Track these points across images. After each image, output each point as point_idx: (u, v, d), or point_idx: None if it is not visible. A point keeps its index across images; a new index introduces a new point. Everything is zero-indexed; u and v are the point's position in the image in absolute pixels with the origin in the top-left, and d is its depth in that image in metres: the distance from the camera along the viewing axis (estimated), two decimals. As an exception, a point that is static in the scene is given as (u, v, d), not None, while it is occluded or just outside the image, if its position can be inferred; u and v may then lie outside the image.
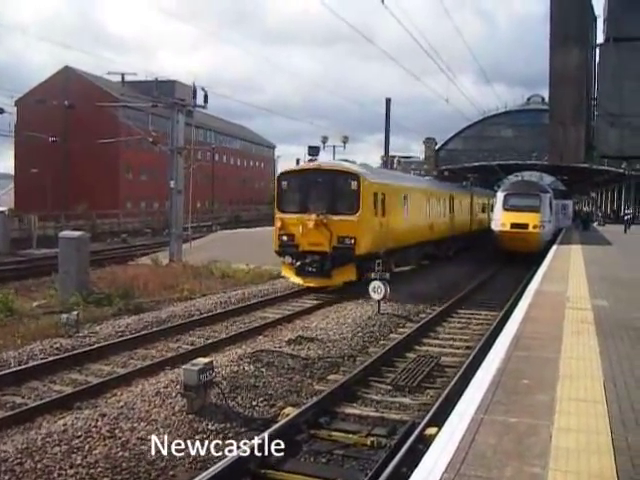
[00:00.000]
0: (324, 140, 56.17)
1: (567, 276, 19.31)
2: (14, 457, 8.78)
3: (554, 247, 31.67)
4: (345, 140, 58.75)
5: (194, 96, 33.33)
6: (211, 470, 8.36)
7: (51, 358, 13.89)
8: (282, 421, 10.22)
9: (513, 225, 34.53)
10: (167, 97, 33.26)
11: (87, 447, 9.24)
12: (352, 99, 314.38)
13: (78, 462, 8.81)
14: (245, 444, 9.21)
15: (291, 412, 10.63)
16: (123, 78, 30.90)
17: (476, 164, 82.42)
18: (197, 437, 10.00)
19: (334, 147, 58.47)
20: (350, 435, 10.18)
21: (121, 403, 10.87)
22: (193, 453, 9.42)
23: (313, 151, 53.81)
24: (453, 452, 5.67)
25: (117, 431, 9.83)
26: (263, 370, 13.13)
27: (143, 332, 16.39)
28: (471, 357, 14.24)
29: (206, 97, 33.42)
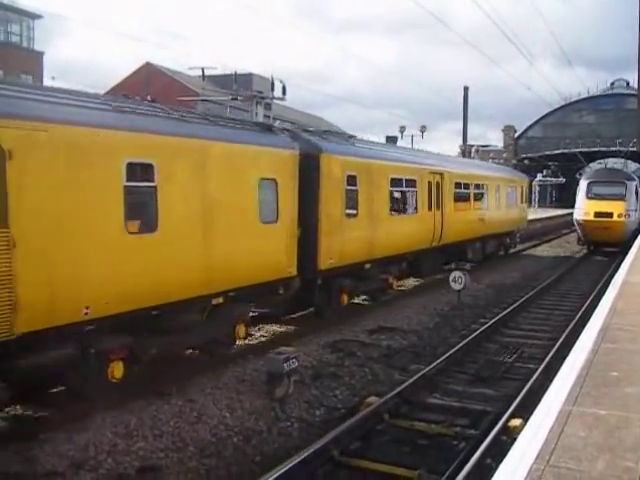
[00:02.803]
0: (402, 130, 56.15)
1: (655, 266, 18.70)
2: (113, 441, 9.15)
3: (641, 237, 30.68)
4: (423, 129, 58.58)
5: (272, 88, 33.62)
6: (295, 457, 8.49)
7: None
8: (365, 410, 10.29)
9: (597, 214, 33.58)
10: (245, 90, 33.67)
11: (176, 432, 9.55)
12: (427, 87, 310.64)
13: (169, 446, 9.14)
14: (328, 432, 9.35)
15: (373, 401, 10.69)
16: (203, 73, 31.42)
17: (557, 152, 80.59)
18: (280, 424, 10.19)
19: (412, 136, 58.45)
20: (432, 425, 10.17)
21: (207, 390, 11.17)
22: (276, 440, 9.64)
23: (391, 141, 53.68)
24: (542, 443, 5.61)
25: (204, 417, 10.14)
26: (345, 360, 13.25)
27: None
28: (555, 349, 13.99)
29: (284, 89, 33.63)
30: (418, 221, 21.58)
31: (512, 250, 35.72)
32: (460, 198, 25.75)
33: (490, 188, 29.67)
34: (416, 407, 11.05)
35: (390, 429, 10.11)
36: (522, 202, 36.37)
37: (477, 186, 28.03)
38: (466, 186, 26.61)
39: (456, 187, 25.30)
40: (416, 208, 21.31)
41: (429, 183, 22.36)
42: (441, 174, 23.56)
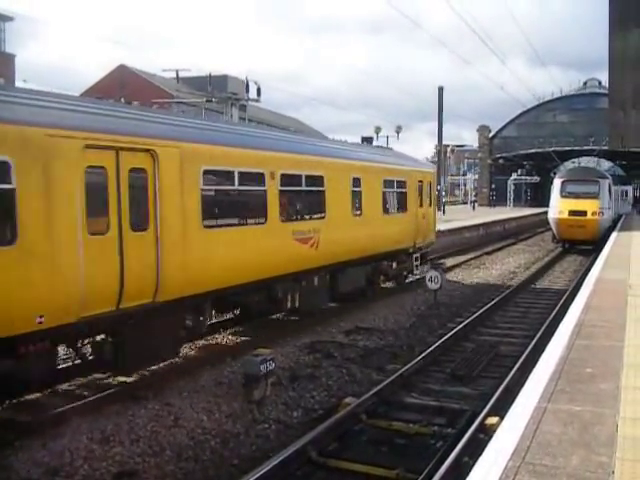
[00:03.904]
0: (377, 130, 56.24)
1: (628, 263, 18.93)
2: (89, 447, 9.06)
3: (614, 234, 31.03)
4: (399, 130, 58.74)
5: (247, 90, 33.54)
6: (273, 459, 8.47)
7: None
8: (342, 411, 10.29)
9: (571, 212, 33.91)
10: (220, 92, 33.56)
11: (153, 436, 9.49)
12: (402, 88, 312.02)
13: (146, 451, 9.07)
14: (305, 433, 9.34)
15: (351, 402, 10.69)
16: (177, 74, 31.27)
17: (532, 151, 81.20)
18: (258, 426, 10.16)
19: (387, 137, 58.55)
20: (410, 425, 10.20)
21: (184, 393, 11.11)
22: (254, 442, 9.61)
23: (366, 141, 53.70)
24: (517, 441, 5.66)
25: (181, 420, 10.08)
26: (322, 361, 13.25)
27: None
28: (530, 346, 14.09)
29: (259, 90, 33.58)
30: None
31: (414, 277, 23.93)
32: (233, 204, 13.73)
33: (339, 182, 17.47)
34: (394, 407, 11.08)
35: (368, 429, 10.12)
36: (422, 205, 23.49)
37: (293, 179, 15.57)
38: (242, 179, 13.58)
39: (209, 179, 12.72)
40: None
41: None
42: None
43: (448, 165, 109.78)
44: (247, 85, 33.97)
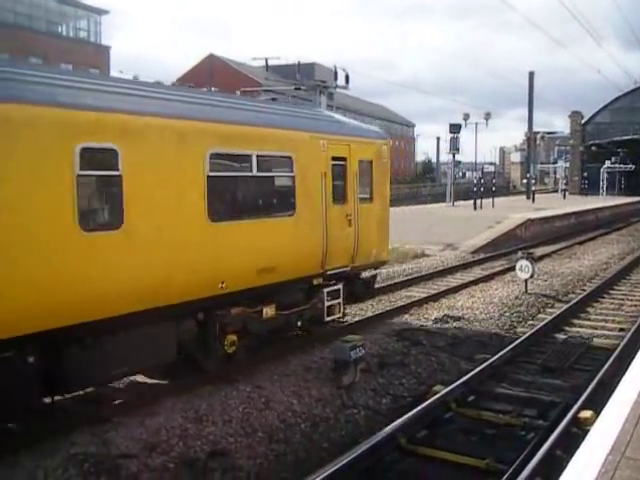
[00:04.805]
0: (465, 117, 55.38)
1: None
2: (183, 426, 9.37)
3: None
4: (487, 117, 57.68)
5: (335, 77, 33.59)
6: (362, 444, 8.56)
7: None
8: (431, 398, 10.28)
9: None
10: (308, 80, 33.74)
11: (245, 418, 9.73)
12: (491, 72, 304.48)
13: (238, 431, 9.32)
14: (395, 420, 9.38)
15: (440, 390, 10.67)
16: (267, 63, 31.55)
17: (626, 138, 78.20)
18: (347, 412, 10.27)
19: (476, 124, 57.61)
20: (500, 415, 10.10)
21: (275, 377, 11.32)
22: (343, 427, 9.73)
23: (454, 129, 53.01)
24: (617, 435, 5.55)
25: (272, 403, 10.29)
26: (411, 348, 13.26)
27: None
28: (625, 340, 13.70)
29: (347, 77, 33.56)
30: None
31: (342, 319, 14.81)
32: None
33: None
34: (483, 396, 10.99)
35: (457, 418, 10.08)
36: (371, 199, 14.76)
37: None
38: None
39: None
40: None
41: None
42: None
43: (537, 153, 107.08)
44: (335, 73, 34.09)
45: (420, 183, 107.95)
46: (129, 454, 8.46)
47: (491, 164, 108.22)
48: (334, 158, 13.33)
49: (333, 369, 11.06)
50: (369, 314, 16.59)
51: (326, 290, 13.29)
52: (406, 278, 21.82)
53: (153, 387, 10.70)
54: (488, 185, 53.98)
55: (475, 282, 21.19)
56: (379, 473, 8.39)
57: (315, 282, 13.11)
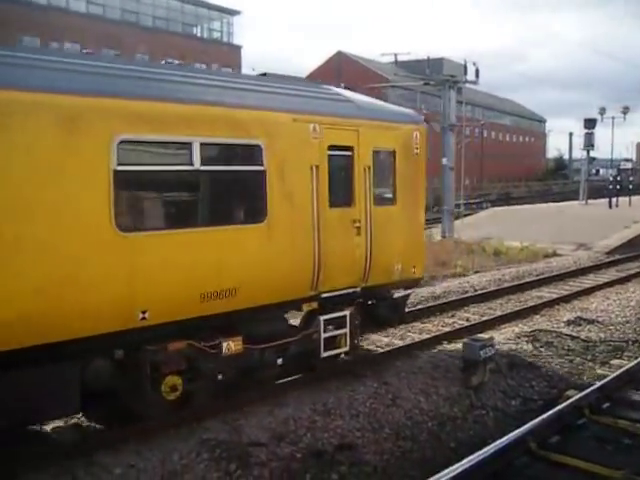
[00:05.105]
0: (601, 112, 53.07)
1: None
2: (311, 418, 9.53)
3: None
4: (625, 110, 55.09)
5: (465, 72, 33.12)
6: (491, 446, 8.40)
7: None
8: (564, 403, 9.95)
9: None
10: (437, 75, 33.44)
11: (372, 413, 9.78)
12: (628, 63, 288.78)
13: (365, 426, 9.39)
14: (525, 423, 9.15)
15: (574, 395, 10.31)
16: (396, 58, 31.51)
17: None
18: (475, 412, 10.13)
19: (613, 118, 55.14)
20: (638, 424, 9.62)
21: (402, 374, 11.31)
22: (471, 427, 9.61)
23: (589, 124, 50.87)
24: None
25: (399, 400, 10.29)
26: (542, 350, 12.92)
27: (419, 306, 16.79)
28: None
29: (477, 72, 33.02)
30: None
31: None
32: None
33: None
34: (619, 404, 10.52)
35: (591, 425, 9.69)
36: (394, 201, 11.65)
37: None
38: None
39: None
40: None
41: None
42: None
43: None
44: (465, 67, 33.62)
45: (551, 180, 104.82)
46: (258, 442, 8.70)
47: (628, 160, 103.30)
48: (333, 147, 10.38)
49: (462, 368, 10.93)
50: (498, 313, 16.30)
51: (323, 318, 10.56)
52: (537, 278, 21.29)
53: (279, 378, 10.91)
54: (624, 183, 51.50)
55: (610, 284, 20.37)
56: (508, 477, 8.21)
57: (306, 308, 10.55)
